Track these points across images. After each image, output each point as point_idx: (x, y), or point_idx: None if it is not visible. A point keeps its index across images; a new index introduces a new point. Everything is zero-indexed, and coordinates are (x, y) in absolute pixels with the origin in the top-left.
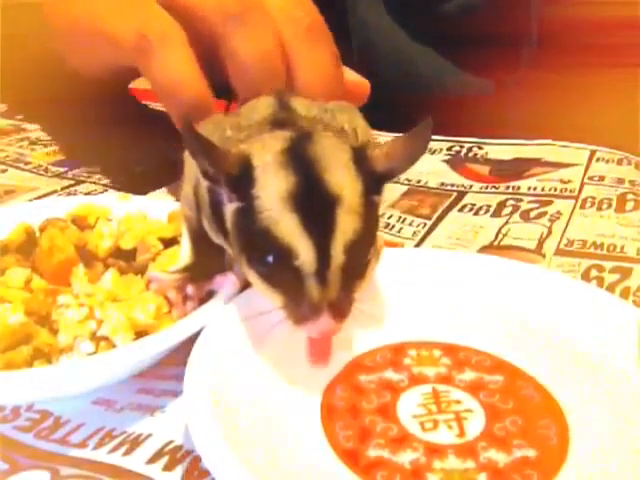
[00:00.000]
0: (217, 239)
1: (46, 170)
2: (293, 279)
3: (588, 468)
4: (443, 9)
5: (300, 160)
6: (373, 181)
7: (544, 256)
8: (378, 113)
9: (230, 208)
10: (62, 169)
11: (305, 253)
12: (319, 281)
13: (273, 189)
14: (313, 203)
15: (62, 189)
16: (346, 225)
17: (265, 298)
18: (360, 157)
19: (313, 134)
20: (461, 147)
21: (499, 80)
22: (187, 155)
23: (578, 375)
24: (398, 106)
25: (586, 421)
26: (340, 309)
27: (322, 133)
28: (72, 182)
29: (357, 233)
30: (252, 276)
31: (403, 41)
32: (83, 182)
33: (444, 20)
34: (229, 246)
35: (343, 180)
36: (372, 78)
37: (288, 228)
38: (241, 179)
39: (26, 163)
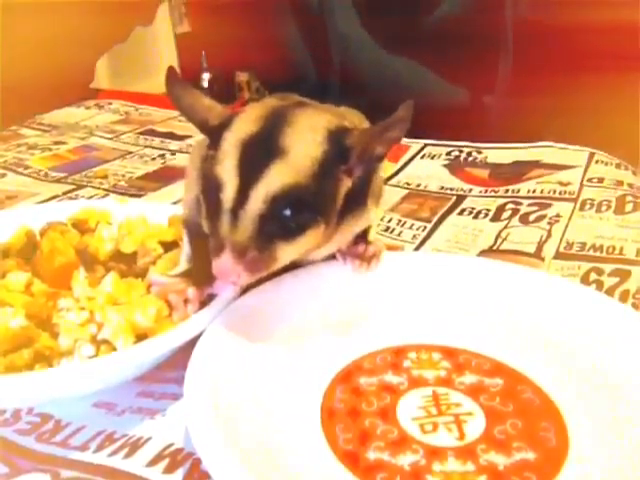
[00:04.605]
0: None
1: (46, 175)
2: (218, 215)
3: (587, 470)
4: (424, 22)
5: (276, 115)
6: (341, 151)
7: (543, 260)
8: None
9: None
10: (62, 174)
11: (227, 189)
12: (231, 218)
13: (235, 133)
14: (258, 149)
15: (63, 194)
16: (278, 176)
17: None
18: (337, 129)
19: (305, 103)
20: (460, 151)
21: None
22: (191, 162)
23: (577, 378)
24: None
25: (585, 424)
26: (246, 254)
27: (315, 105)
28: (73, 187)
29: (289, 189)
30: (202, 213)
31: (380, 53)
32: (84, 187)
33: (423, 32)
34: None
35: (301, 139)
36: (355, 91)
37: (226, 166)
38: (221, 127)
39: (25, 167)
